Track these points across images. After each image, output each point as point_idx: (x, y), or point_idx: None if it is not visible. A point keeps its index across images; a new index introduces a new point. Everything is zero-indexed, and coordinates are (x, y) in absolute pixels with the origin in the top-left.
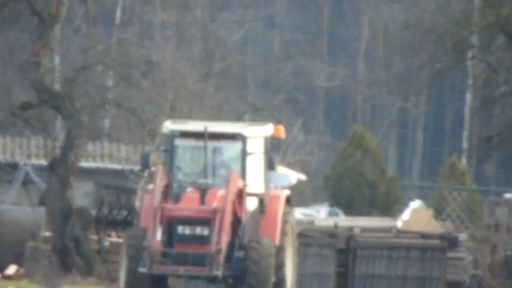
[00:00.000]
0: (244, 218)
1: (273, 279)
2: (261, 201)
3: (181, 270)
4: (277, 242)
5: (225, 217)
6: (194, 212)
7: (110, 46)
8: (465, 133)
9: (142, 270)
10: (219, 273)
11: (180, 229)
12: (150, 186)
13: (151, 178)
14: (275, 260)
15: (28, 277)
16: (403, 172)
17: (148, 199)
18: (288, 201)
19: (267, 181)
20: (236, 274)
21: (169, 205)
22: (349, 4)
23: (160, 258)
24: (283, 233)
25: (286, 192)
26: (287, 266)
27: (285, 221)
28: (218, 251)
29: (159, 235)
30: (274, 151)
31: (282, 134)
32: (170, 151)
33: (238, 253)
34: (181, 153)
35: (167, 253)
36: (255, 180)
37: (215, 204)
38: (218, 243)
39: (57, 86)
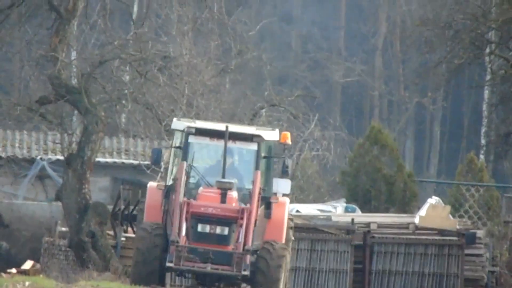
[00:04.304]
0: (257, 220)
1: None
2: (268, 205)
3: (208, 267)
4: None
5: (252, 217)
6: (221, 211)
7: (126, 41)
8: (483, 129)
9: (170, 265)
10: (247, 273)
11: (201, 226)
12: (153, 183)
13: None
14: (284, 263)
15: (44, 272)
16: (420, 168)
17: (152, 194)
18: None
19: (272, 186)
20: (248, 278)
21: (195, 202)
22: (367, 0)
23: (186, 255)
24: (288, 240)
25: (288, 200)
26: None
27: (289, 228)
28: (247, 251)
29: (184, 230)
30: (290, 149)
31: (289, 140)
32: (183, 148)
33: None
34: (195, 150)
35: (192, 250)
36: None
37: (234, 204)
38: (246, 243)
39: (74, 81)
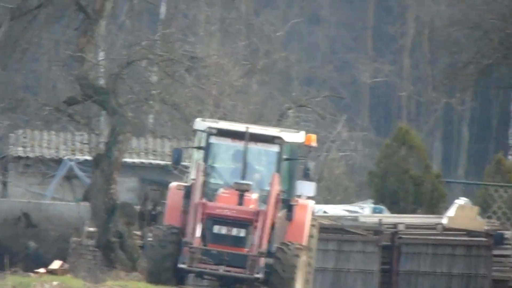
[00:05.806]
0: (276, 223)
1: (298, 283)
2: (290, 208)
3: (221, 269)
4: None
5: (267, 219)
6: (236, 212)
7: (154, 42)
8: (511, 130)
9: (182, 266)
10: (260, 276)
11: (217, 228)
12: (174, 184)
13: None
14: (299, 263)
15: (72, 272)
16: (448, 169)
17: (173, 195)
18: (312, 212)
19: (295, 188)
20: (263, 280)
21: (211, 203)
22: (395, 0)
23: (199, 256)
24: (309, 249)
25: (312, 202)
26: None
27: (311, 236)
28: (261, 254)
29: (198, 232)
30: (317, 150)
31: (314, 142)
32: (204, 149)
33: (267, 260)
34: (216, 151)
35: (205, 251)
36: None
37: (251, 206)
38: (260, 246)
39: (102, 82)
